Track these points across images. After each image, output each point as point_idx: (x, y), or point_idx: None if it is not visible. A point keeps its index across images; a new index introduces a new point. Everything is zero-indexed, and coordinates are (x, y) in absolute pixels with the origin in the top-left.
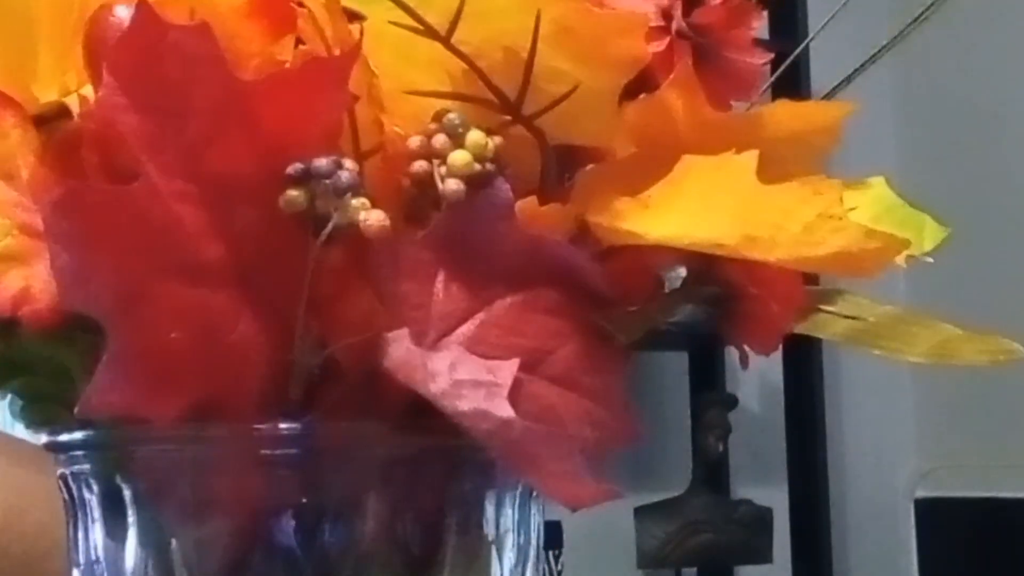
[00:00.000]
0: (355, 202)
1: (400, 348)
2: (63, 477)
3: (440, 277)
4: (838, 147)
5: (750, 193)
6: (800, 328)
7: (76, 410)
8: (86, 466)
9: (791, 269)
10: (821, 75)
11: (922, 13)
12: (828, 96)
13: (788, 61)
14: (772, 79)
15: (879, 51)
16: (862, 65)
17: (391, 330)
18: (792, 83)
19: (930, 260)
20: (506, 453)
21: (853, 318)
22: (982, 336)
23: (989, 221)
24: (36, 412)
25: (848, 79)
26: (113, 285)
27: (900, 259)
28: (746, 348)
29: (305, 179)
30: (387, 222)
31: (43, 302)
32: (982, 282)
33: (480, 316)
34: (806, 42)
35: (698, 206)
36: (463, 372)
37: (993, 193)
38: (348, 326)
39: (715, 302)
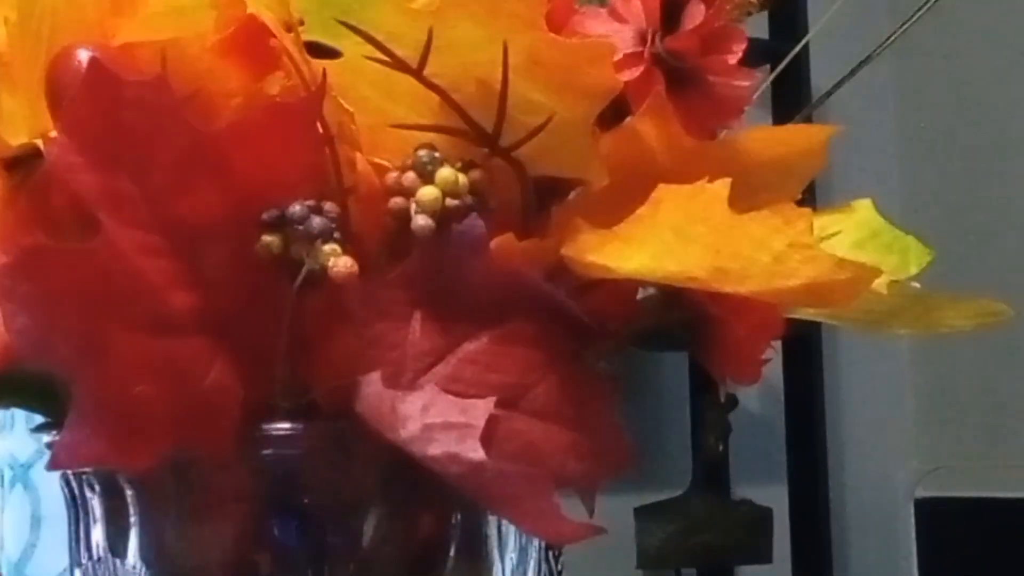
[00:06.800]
0: (326, 248)
1: (371, 392)
2: (64, 476)
3: (416, 316)
4: (840, 153)
5: (722, 223)
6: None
7: (46, 465)
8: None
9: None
10: (821, 75)
11: (922, 8)
12: (829, 93)
13: (787, 60)
14: (771, 78)
15: (878, 48)
16: (862, 62)
17: (371, 371)
18: (792, 83)
19: (916, 285)
20: (480, 495)
21: None
22: (968, 300)
23: (992, 219)
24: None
25: (848, 75)
26: (75, 341)
27: (882, 285)
28: (727, 379)
29: (280, 225)
30: (355, 268)
31: None
32: (984, 281)
33: (457, 353)
34: (804, 40)
35: (670, 237)
36: (435, 414)
37: (997, 192)
38: (332, 369)
39: (687, 327)
